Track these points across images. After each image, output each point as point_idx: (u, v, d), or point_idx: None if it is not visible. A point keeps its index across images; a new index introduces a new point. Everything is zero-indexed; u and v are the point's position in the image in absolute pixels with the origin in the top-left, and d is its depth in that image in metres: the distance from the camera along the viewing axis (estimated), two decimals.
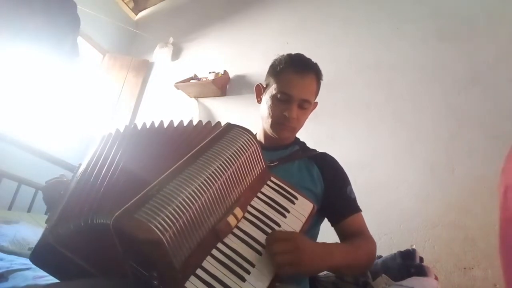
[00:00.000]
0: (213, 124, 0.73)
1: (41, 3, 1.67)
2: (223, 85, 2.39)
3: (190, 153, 0.61)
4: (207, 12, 2.90)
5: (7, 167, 1.96)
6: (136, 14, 3.44)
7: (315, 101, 0.98)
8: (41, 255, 0.63)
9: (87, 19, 2.35)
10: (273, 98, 0.90)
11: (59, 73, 2.46)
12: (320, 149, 1.00)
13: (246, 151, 0.66)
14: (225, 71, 2.40)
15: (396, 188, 1.53)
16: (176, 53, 2.85)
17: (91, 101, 2.83)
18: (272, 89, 0.91)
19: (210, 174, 0.58)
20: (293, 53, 0.96)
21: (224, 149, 0.63)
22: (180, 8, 3.16)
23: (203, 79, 2.41)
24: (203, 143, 0.64)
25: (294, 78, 0.89)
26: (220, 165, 0.60)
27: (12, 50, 1.77)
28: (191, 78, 2.50)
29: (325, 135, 1.79)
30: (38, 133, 2.38)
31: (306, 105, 0.90)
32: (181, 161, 0.59)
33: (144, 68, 2.94)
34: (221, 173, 0.59)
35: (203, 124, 0.75)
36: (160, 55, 2.80)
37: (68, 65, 2.20)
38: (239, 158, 0.63)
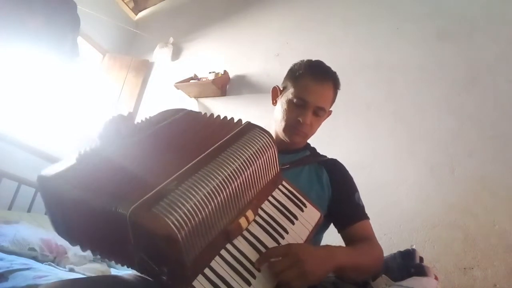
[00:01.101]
0: (235, 121, 0.72)
1: (41, 3, 1.67)
2: (223, 85, 2.39)
3: (210, 149, 0.60)
4: (207, 12, 2.90)
5: (7, 167, 1.96)
6: (136, 14, 3.44)
7: (330, 109, 0.98)
8: (50, 190, 0.61)
9: (87, 19, 2.34)
10: (289, 102, 0.90)
11: (59, 73, 2.46)
12: (320, 149, 1.00)
13: (265, 154, 0.65)
14: (225, 71, 2.40)
15: (396, 188, 1.53)
16: (176, 53, 2.85)
17: (91, 101, 2.82)
18: (288, 93, 0.91)
19: (229, 174, 0.57)
20: (313, 59, 0.96)
21: (244, 149, 0.62)
22: (180, 8, 3.16)
23: (203, 79, 2.41)
24: (223, 140, 0.63)
25: (312, 85, 0.89)
26: (240, 165, 0.59)
27: (12, 50, 1.77)
28: (191, 78, 2.50)
29: (325, 135, 1.79)
30: (38, 133, 2.37)
31: (321, 113, 0.90)
32: (200, 157, 0.58)
33: (144, 68, 2.94)
34: (239, 173, 0.58)
35: (228, 119, 0.73)
36: (160, 55, 2.80)
37: (68, 65, 2.20)
38: (257, 160, 0.63)
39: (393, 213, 1.48)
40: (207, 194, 0.53)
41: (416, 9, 1.86)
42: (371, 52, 1.90)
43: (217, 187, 0.54)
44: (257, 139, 0.65)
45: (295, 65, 0.96)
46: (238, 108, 2.28)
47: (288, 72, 0.97)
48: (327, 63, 0.97)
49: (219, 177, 0.55)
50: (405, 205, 1.48)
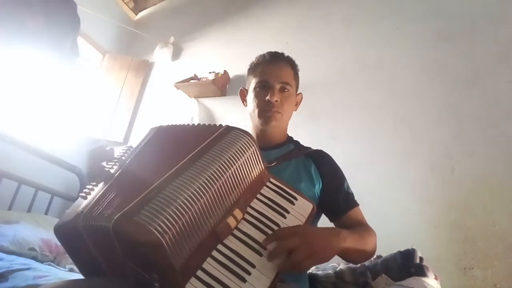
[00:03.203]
0: (214, 127, 0.74)
1: (41, 3, 1.68)
2: (223, 85, 2.39)
3: (190, 155, 0.62)
4: (207, 12, 2.90)
5: (7, 167, 1.96)
6: (136, 14, 3.44)
7: (299, 92, 1.02)
8: (65, 233, 0.63)
9: (87, 19, 2.34)
10: (255, 90, 0.96)
11: (59, 73, 2.46)
12: (320, 149, 1.00)
13: (245, 153, 0.66)
14: (225, 71, 2.40)
15: (396, 188, 1.53)
16: (176, 53, 2.85)
17: (91, 101, 2.82)
18: (252, 84, 0.97)
19: (209, 176, 0.58)
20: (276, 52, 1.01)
21: (223, 151, 0.63)
22: (180, 8, 3.16)
23: (203, 79, 2.41)
24: (202, 145, 0.65)
25: (268, 67, 0.95)
26: (219, 167, 0.60)
27: (12, 50, 1.77)
28: (191, 78, 2.50)
29: (326, 135, 1.79)
30: (38, 133, 2.37)
31: (287, 87, 0.94)
32: (180, 163, 0.60)
33: (144, 68, 2.94)
34: (219, 175, 0.60)
35: (206, 125, 0.75)
36: (160, 55, 2.79)
37: (68, 65, 2.20)
38: (237, 160, 0.64)
39: (393, 213, 1.48)
40: (188, 198, 0.54)
41: (416, 9, 1.86)
42: (372, 52, 1.90)
43: (198, 190, 0.55)
44: (236, 140, 0.66)
45: (250, 63, 1.03)
46: (238, 108, 2.27)
47: (247, 71, 1.04)
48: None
49: (199, 180, 0.56)
50: (405, 205, 1.48)
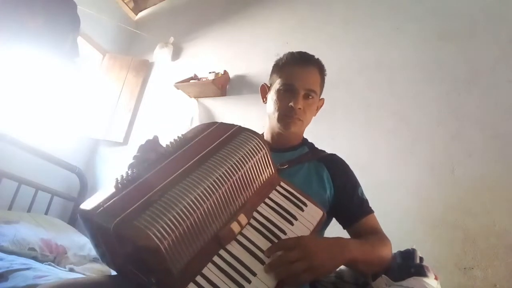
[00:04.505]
0: (226, 126, 0.71)
1: (41, 3, 1.68)
2: (223, 85, 2.39)
3: (197, 157, 0.60)
4: (207, 12, 2.90)
5: (7, 167, 1.96)
6: (136, 14, 3.44)
7: (321, 97, 0.98)
8: (85, 219, 0.59)
9: (87, 19, 2.34)
10: (278, 92, 0.91)
11: (59, 73, 2.46)
12: (335, 153, 0.99)
13: (255, 156, 0.64)
14: (225, 71, 2.40)
15: (396, 188, 1.53)
16: (176, 53, 2.84)
17: (91, 101, 2.82)
18: (276, 84, 0.92)
19: (215, 180, 0.57)
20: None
21: (232, 153, 0.61)
22: (180, 8, 3.16)
23: (203, 79, 2.41)
24: (211, 146, 0.63)
25: (297, 69, 0.90)
26: (226, 170, 0.59)
27: (13, 50, 1.77)
28: (191, 78, 2.50)
29: (326, 135, 1.79)
30: (38, 133, 2.37)
31: (312, 95, 0.91)
32: (187, 165, 0.58)
33: (144, 68, 2.94)
34: (226, 179, 0.58)
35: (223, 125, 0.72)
36: (160, 55, 2.79)
37: (68, 65, 2.20)
38: (246, 164, 0.62)
39: (393, 213, 1.47)
40: (190, 202, 0.52)
41: (416, 9, 1.86)
42: (371, 52, 1.90)
43: (201, 195, 0.54)
44: (245, 143, 0.64)
45: (278, 59, 0.97)
46: (238, 108, 2.28)
47: (273, 67, 0.98)
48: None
49: (204, 184, 0.55)
50: (405, 205, 1.48)
